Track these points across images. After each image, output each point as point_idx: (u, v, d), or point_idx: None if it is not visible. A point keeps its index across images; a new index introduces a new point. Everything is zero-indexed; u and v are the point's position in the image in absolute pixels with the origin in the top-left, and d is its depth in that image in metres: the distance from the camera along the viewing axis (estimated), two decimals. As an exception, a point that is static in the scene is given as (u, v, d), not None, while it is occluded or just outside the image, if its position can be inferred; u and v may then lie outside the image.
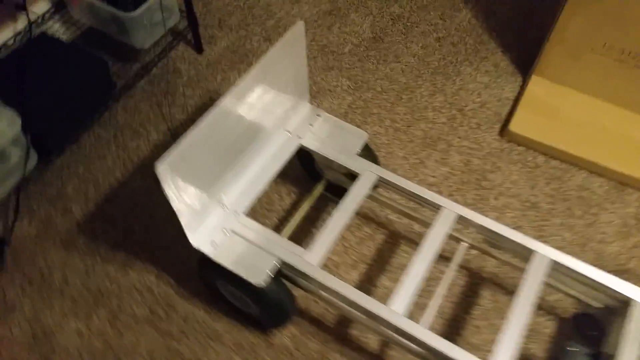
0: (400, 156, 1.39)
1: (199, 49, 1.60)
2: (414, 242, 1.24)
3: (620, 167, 1.34)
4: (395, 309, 0.91)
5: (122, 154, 1.40)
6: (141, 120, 1.46)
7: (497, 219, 1.26)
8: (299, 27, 1.00)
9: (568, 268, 0.97)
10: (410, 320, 0.90)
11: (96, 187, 1.34)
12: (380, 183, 1.09)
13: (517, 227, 1.26)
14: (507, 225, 1.03)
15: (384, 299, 1.15)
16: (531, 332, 1.12)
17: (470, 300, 1.16)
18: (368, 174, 1.07)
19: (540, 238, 1.25)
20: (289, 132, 1.13)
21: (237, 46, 1.63)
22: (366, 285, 1.19)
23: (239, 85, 0.93)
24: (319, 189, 1.23)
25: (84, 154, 1.40)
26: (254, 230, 1.00)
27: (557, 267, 0.98)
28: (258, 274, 0.94)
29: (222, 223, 1.00)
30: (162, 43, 1.56)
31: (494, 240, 1.04)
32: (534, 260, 0.97)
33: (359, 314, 0.96)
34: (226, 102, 0.92)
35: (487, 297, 1.17)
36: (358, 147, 1.12)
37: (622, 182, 1.35)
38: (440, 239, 0.99)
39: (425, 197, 1.05)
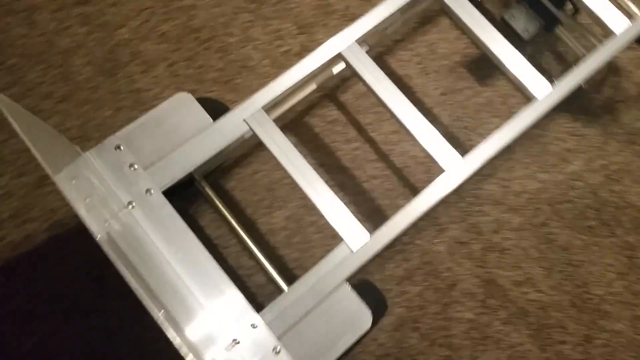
0: (166, 66, 0.96)
1: None
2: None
3: None
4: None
5: None
6: None
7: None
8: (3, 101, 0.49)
9: None
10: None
11: None
12: (270, 110, 0.76)
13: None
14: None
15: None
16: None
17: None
18: (257, 123, 0.73)
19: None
20: (131, 204, 0.68)
21: None
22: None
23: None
24: (211, 195, 0.82)
25: None
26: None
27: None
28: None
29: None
30: None
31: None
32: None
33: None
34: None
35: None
36: (205, 114, 0.73)
37: None
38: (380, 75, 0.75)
39: (317, 62, 0.76)
